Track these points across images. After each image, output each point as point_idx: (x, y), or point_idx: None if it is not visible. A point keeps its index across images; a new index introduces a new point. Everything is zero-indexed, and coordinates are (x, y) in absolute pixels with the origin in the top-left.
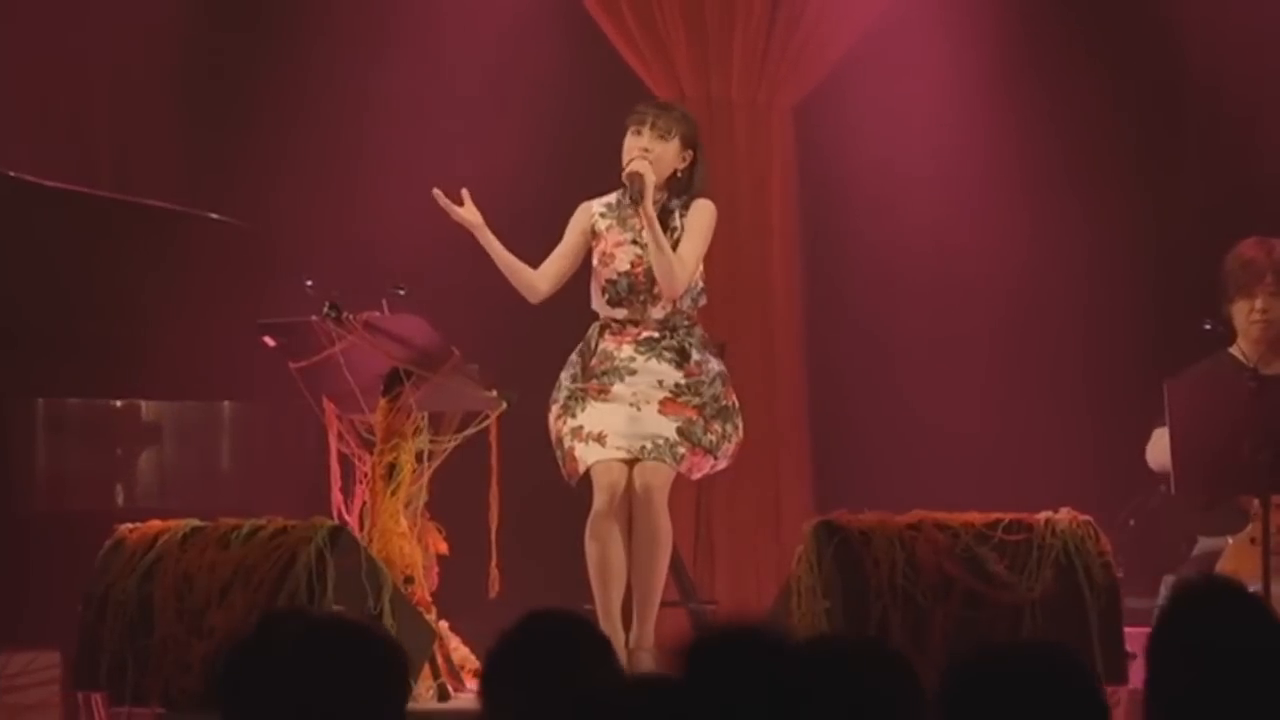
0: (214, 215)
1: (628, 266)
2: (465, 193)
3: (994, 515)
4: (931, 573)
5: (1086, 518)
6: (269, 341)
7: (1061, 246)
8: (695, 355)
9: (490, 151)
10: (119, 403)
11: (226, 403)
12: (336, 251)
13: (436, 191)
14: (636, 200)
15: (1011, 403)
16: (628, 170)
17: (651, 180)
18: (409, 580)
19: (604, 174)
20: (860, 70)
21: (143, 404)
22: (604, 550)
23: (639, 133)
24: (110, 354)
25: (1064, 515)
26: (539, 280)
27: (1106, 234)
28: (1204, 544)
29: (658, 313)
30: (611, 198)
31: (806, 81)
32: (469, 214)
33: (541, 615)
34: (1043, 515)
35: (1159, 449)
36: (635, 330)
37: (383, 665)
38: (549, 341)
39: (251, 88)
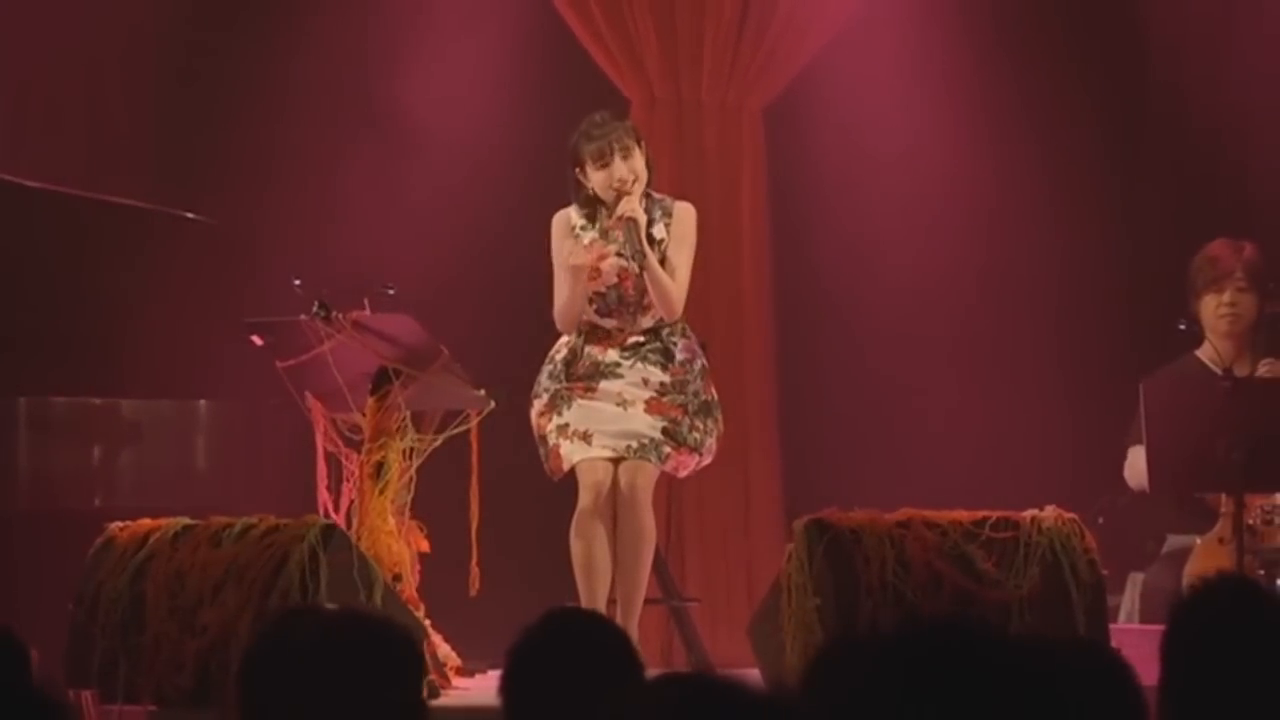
0: (190, 214)
1: (616, 280)
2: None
3: (981, 513)
4: (921, 570)
5: (1072, 515)
6: (256, 340)
7: (1034, 246)
8: (680, 355)
9: (470, 151)
10: (98, 400)
11: (203, 401)
12: (318, 250)
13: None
14: (637, 255)
15: (983, 401)
16: (621, 215)
17: (643, 220)
18: (397, 578)
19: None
20: (830, 72)
21: (122, 402)
22: (589, 548)
23: (607, 165)
24: (89, 352)
25: (1050, 513)
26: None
27: (1079, 233)
28: (1173, 542)
29: (647, 321)
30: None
31: (777, 83)
32: (581, 255)
33: (564, 613)
34: (1029, 513)
35: (1136, 471)
36: (621, 337)
37: (398, 656)
38: (534, 340)
39: (230, 86)
